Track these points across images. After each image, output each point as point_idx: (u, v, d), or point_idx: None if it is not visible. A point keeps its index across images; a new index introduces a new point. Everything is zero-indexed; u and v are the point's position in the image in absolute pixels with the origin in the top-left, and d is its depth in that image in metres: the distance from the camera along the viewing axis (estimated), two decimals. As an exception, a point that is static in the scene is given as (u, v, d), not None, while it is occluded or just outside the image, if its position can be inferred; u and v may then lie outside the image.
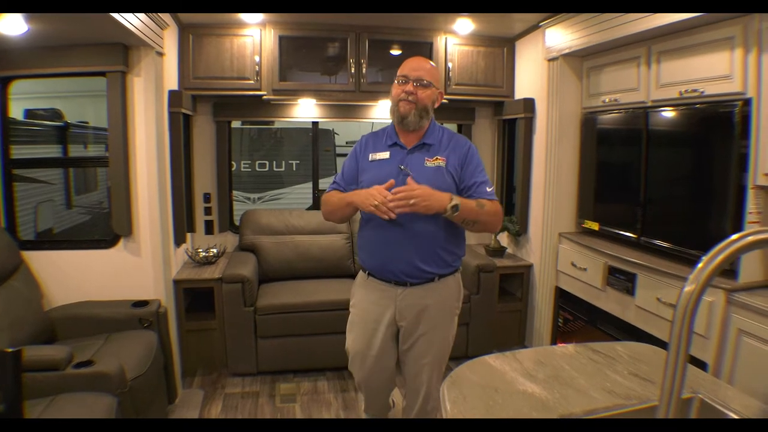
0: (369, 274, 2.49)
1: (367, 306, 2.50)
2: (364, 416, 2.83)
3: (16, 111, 6.32)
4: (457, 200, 2.21)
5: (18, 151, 4.51)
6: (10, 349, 1.88)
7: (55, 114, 7.02)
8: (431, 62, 2.49)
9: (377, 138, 2.52)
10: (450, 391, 1.49)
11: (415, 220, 2.28)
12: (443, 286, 2.44)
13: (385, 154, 2.43)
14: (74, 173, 6.96)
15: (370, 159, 2.46)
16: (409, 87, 2.34)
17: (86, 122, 7.16)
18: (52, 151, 6.67)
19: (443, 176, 2.34)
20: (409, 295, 2.40)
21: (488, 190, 2.36)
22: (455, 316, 2.52)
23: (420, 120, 2.37)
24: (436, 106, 2.45)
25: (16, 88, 3.39)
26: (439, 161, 2.37)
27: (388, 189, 2.21)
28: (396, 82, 2.41)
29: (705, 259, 0.96)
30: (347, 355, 2.62)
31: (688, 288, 0.95)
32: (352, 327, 2.58)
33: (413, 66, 2.39)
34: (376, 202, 2.17)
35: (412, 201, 2.13)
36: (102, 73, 3.20)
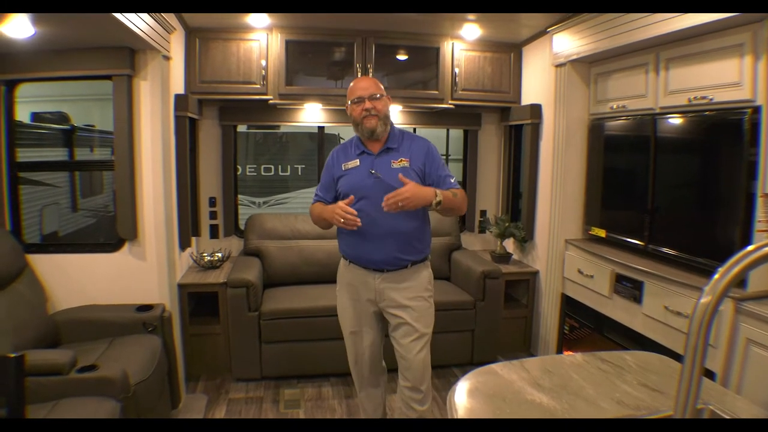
0: (350, 261, 2.83)
1: (350, 289, 2.85)
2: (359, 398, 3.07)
3: (23, 114, 6.35)
4: (440, 195, 2.56)
5: (24, 154, 4.52)
6: (12, 354, 1.87)
7: (62, 117, 7.04)
8: (371, 78, 2.90)
9: (346, 149, 2.84)
10: (457, 401, 1.47)
11: (392, 218, 2.59)
12: (414, 271, 2.76)
13: (356, 162, 2.76)
14: (80, 176, 6.97)
15: (343, 168, 2.78)
16: (367, 104, 2.67)
17: (93, 125, 7.17)
18: (59, 154, 6.68)
19: (409, 175, 2.65)
20: (386, 279, 2.73)
21: (452, 181, 2.73)
22: (430, 297, 2.84)
23: (385, 127, 2.73)
24: (389, 110, 2.78)
25: (23, 91, 3.39)
26: (404, 162, 2.71)
27: (350, 204, 2.57)
28: (350, 103, 2.74)
29: (721, 270, 0.94)
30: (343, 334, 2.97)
31: (704, 300, 0.93)
32: (341, 311, 2.96)
33: (362, 86, 2.72)
34: (342, 220, 2.52)
35: (401, 203, 2.46)
36: (108, 77, 3.20)
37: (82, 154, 6.91)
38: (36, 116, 6.68)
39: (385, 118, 2.72)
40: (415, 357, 2.76)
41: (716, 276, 0.95)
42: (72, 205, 7.00)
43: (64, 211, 6.77)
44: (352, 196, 2.61)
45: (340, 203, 2.58)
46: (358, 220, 2.52)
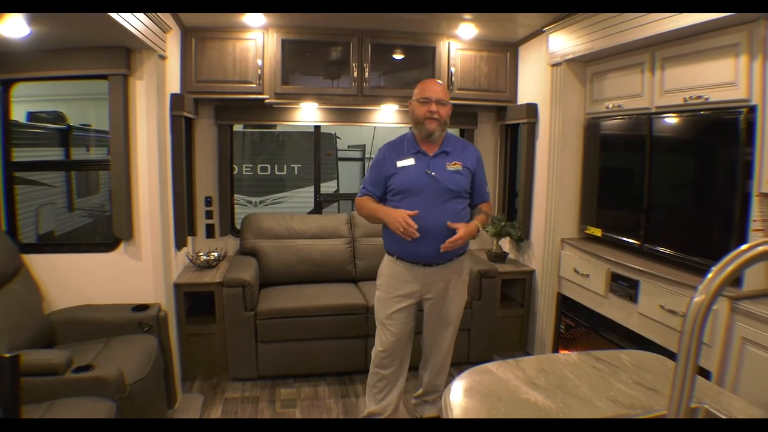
0: (397, 258, 2.98)
1: (395, 283, 3.00)
2: (377, 389, 3.14)
3: (19, 114, 6.33)
4: (480, 225, 2.93)
5: (20, 154, 4.50)
6: (8, 355, 1.87)
7: (58, 117, 7.02)
8: (441, 84, 3.04)
9: (397, 148, 3.00)
10: (453, 399, 1.47)
11: (442, 215, 2.83)
12: (458, 264, 3.01)
13: (411, 161, 2.93)
14: (76, 176, 6.95)
15: (398, 165, 2.93)
16: (433, 107, 2.86)
17: (89, 125, 7.16)
18: (55, 154, 6.67)
19: (462, 177, 2.92)
20: (434, 273, 2.94)
21: (487, 190, 3.11)
22: (466, 285, 3.14)
23: (442, 132, 2.94)
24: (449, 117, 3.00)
25: (18, 90, 3.38)
26: (458, 165, 2.92)
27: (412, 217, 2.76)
28: (417, 102, 2.92)
29: (715, 269, 0.95)
30: (376, 324, 3.12)
31: (698, 298, 0.93)
32: (380, 302, 3.07)
33: (432, 89, 2.91)
34: (402, 229, 2.73)
35: (459, 243, 2.78)
36: (104, 76, 3.19)
37: (78, 153, 6.90)
38: (32, 116, 6.66)
39: (444, 124, 2.93)
40: (440, 340, 3.11)
41: (710, 275, 0.96)
42: (68, 205, 6.98)
43: (61, 210, 6.75)
44: (417, 211, 2.78)
45: (404, 213, 2.75)
46: (417, 234, 2.73)
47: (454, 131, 5.41)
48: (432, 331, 3.12)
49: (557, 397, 1.49)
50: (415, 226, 2.72)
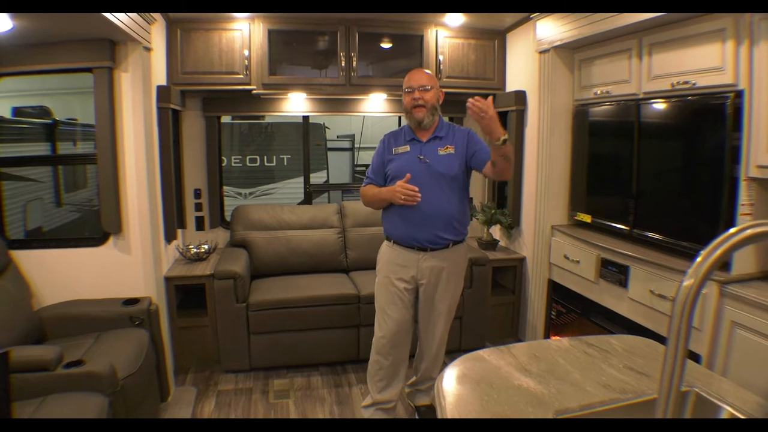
0: (394, 242, 3.04)
1: (393, 267, 3.04)
2: (378, 377, 3.17)
3: (4, 109, 6.26)
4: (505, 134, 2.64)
5: (6, 150, 4.46)
6: (-4, 351, 1.85)
7: (44, 111, 6.94)
8: (427, 71, 3.10)
9: (397, 136, 3.11)
10: (445, 387, 1.48)
11: (436, 199, 2.88)
12: (455, 251, 3.01)
13: (406, 148, 3.02)
14: (63, 171, 6.89)
15: (394, 152, 3.04)
16: (416, 94, 2.93)
17: (75, 119, 7.09)
18: (41, 149, 6.60)
19: (454, 160, 2.94)
20: (429, 258, 2.97)
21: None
22: (462, 275, 3.16)
23: (432, 117, 2.97)
24: (440, 102, 3.04)
25: (3, 86, 3.34)
26: (450, 149, 2.96)
27: (407, 182, 2.82)
28: (404, 92, 3.00)
29: (704, 253, 0.95)
30: (376, 310, 3.15)
31: (687, 282, 0.94)
32: (379, 288, 3.12)
33: (415, 77, 2.98)
34: (403, 197, 2.79)
35: (483, 113, 2.50)
36: (89, 70, 3.16)
37: (64, 148, 6.83)
38: (17, 111, 6.59)
39: (433, 109, 2.96)
40: (433, 328, 3.11)
41: (699, 259, 0.96)
42: (56, 200, 6.92)
43: (48, 206, 6.69)
44: (408, 174, 2.84)
45: (400, 182, 2.83)
46: (419, 195, 2.78)
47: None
48: (425, 318, 3.13)
49: (549, 382, 1.50)
50: (415, 189, 2.77)
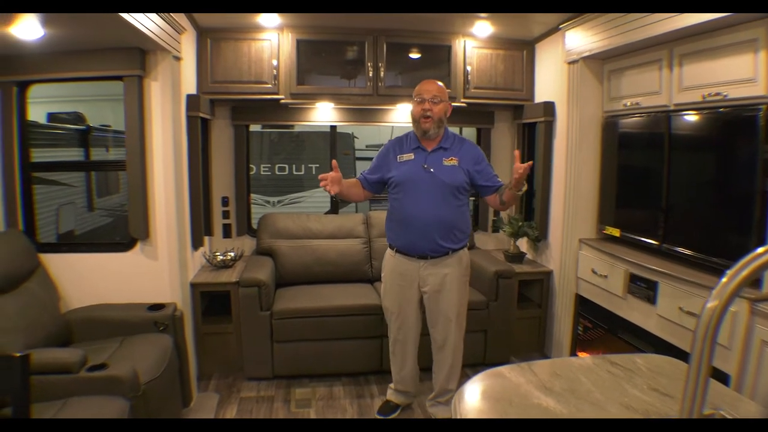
0: (396, 250, 3.16)
1: (396, 276, 3.17)
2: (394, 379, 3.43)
3: (39, 114, 6.42)
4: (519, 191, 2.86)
5: (40, 154, 4.55)
6: (18, 354, 1.88)
7: (78, 117, 7.11)
8: (439, 83, 3.12)
9: (401, 142, 3.18)
10: (463, 404, 1.45)
11: (435, 208, 2.98)
12: (456, 259, 3.08)
13: (411, 156, 3.09)
14: (96, 176, 7.04)
15: (398, 160, 3.11)
16: (426, 105, 3.00)
17: (108, 126, 7.23)
18: (75, 154, 6.76)
19: (459, 173, 3.02)
20: (430, 266, 3.06)
21: (500, 180, 3.13)
22: (466, 282, 3.19)
23: (438, 129, 3.05)
24: (448, 115, 3.10)
25: (39, 92, 3.42)
26: (453, 161, 3.04)
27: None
28: (414, 101, 3.07)
29: (729, 273, 0.91)
30: (385, 314, 3.37)
31: (711, 304, 0.90)
32: (385, 294, 3.29)
33: (426, 88, 3.04)
34: (322, 185, 2.82)
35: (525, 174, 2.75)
36: (119, 77, 3.22)
37: (97, 153, 6.98)
38: (52, 116, 6.76)
39: (439, 122, 3.04)
40: (441, 332, 3.16)
41: (724, 279, 0.92)
42: (88, 205, 7.06)
43: (81, 210, 6.83)
44: (334, 161, 2.95)
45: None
46: (329, 184, 2.81)
47: (470, 131, 5.39)
48: (434, 327, 3.20)
49: (569, 402, 1.46)
50: (325, 176, 2.81)
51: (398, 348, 3.31)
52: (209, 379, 3.94)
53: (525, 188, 2.85)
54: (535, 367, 1.68)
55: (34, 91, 3.37)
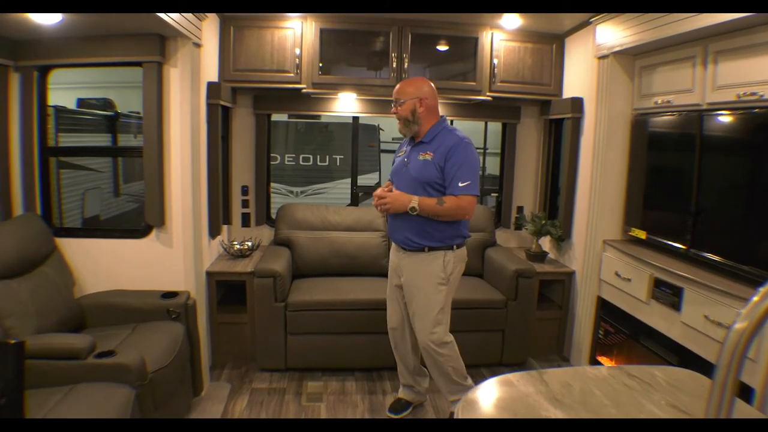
0: (392, 240, 3.24)
1: (391, 264, 3.27)
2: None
3: (69, 100, 6.47)
4: (415, 203, 2.89)
5: (67, 139, 4.57)
6: (12, 341, 1.86)
7: (107, 104, 7.16)
8: (407, 82, 3.12)
9: (407, 140, 3.20)
10: (465, 413, 1.37)
11: None
12: (432, 257, 3.01)
13: (403, 151, 3.17)
14: (123, 162, 7.08)
15: (398, 154, 3.23)
16: (394, 108, 3.04)
17: (137, 112, 7.27)
18: (102, 139, 6.81)
19: (430, 167, 2.94)
20: (406, 258, 3.08)
21: (460, 185, 2.89)
22: (438, 284, 3.02)
23: (407, 127, 3.05)
24: (420, 110, 3.00)
25: (69, 77, 3.41)
26: (428, 156, 2.96)
27: (389, 189, 3.09)
28: None
29: (762, 291, 0.81)
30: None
31: (740, 325, 0.80)
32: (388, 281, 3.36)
33: (394, 90, 3.06)
34: (374, 204, 3.07)
35: (380, 208, 3.01)
36: (139, 63, 3.19)
37: (125, 140, 7.02)
38: (81, 102, 6.81)
39: (406, 120, 3.01)
40: (418, 339, 3.13)
41: (756, 298, 0.82)
42: (114, 190, 7.11)
43: (107, 195, 6.88)
44: (389, 181, 3.16)
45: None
46: (384, 207, 2.98)
47: (495, 125, 5.28)
48: (408, 314, 3.21)
49: (579, 416, 1.38)
50: (380, 195, 2.99)
51: (391, 337, 3.34)
52: (222, 368, 3.92)
53: (412, 204, 2.89)
54: (546, 376, 1.59)
55: (65, 77, 3.38)
